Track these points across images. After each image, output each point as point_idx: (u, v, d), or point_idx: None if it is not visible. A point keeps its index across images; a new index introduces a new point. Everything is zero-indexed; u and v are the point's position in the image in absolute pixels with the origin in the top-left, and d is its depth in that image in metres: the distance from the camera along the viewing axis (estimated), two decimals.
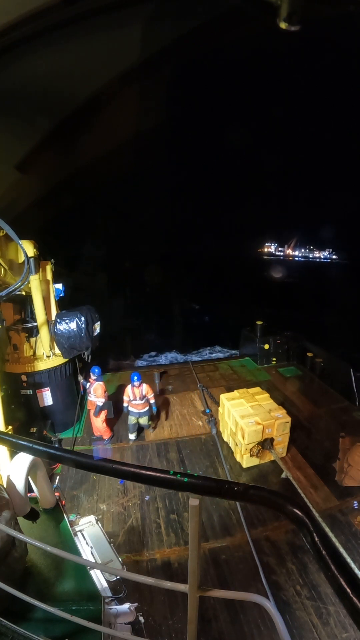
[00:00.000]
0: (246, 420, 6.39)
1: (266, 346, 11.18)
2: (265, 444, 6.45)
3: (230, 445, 7.11)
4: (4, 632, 1.88)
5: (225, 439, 7.31)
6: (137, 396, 7.11)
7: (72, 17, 4.25)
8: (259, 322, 11.56)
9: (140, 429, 7.59)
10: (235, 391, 7.45)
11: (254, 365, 11.28)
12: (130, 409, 7.17)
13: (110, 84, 6.26)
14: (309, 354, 10.77)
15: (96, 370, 7.30)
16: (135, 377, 7.04)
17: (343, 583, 0.89)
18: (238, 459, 6.70)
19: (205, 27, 5.45)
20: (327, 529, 4.93)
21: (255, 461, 6.58)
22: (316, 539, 1.00)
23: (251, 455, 6.48)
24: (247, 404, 6.85)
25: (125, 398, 7.14)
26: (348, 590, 0.88)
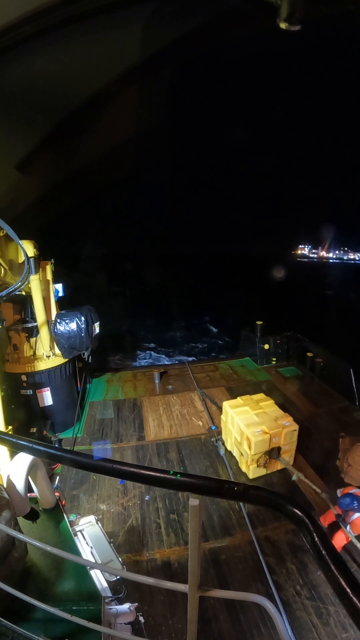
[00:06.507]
0: (252, 430, 6.10)
1: (266, 346, 11.18)
2: (273, 453, 6.16)
3: (234, 454, 6.82)
4: (4, 632, 1.88)
5: (229, 448, 7.01)
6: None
7: (72, 17, 4.25)
8: (259, 322, 11.56)
9: None
10: (238, 398, 7.14)
11: (254, 365, 11.28)
12: None
13: (111, 84, 6.27)
14: (309, 354, 10.77)
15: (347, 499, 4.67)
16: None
17: (343, 583, 0.89)
18: (244, 469, 6.42)
19: (205, 27, 5.45)
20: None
21: (262, 471, 6.28)
22: (316, 539, 1.00)
23: (258, 466, 6.19)
24: (252, 412, 6.54)
25: None
26: (348, 590, 0.88)
